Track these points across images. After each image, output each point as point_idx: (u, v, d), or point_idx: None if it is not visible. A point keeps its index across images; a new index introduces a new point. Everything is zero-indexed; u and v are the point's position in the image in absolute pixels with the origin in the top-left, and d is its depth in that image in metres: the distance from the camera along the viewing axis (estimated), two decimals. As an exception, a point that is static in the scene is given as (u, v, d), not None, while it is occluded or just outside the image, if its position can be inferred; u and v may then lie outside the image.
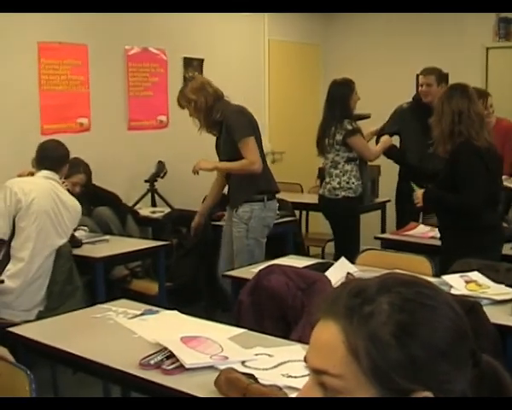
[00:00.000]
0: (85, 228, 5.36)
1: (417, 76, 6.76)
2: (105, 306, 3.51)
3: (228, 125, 5.08)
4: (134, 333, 3.05)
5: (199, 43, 7.47)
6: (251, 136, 5.07)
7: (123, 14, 6.51)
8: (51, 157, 4.78)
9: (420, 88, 6.19)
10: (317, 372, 1.18)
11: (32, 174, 4.80)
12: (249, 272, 4.00)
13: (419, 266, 3.94)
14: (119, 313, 3.35)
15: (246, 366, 2.62)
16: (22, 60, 5.99)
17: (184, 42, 7.35)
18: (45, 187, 4.59)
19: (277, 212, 5.44)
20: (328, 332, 1.18)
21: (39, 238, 4.49)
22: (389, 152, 6.20)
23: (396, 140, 6.37)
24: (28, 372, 2.49)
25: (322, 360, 1.18)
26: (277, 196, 5.40)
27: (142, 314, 3.31)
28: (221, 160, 5.26)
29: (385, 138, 6.13)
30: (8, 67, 5.88)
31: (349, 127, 5.64)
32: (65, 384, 4.41)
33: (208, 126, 5.22)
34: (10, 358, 2.59)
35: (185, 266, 6.05)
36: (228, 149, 5.13)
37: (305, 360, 1.21)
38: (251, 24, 8.09)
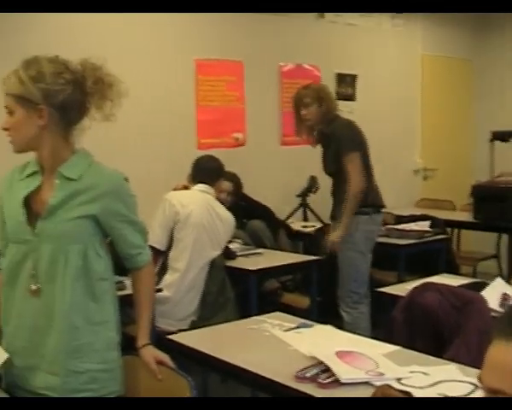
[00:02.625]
0: (239, 241, 5.46)
1: None
2: (260, 318, 3.57)
3: (336, 137, 5.17)
4: (289, 345, 3.08)
5: (352, 59, 7.49)
6: (357, 151, 5.13)
7: (277, 31, 6.62)
8: (206, 171, 4.90)
9: None
10: (493, 392, 1.17)
11: (185, 188, 4.93)
12: (403, 288, 3.96)
13: None
14: (275, 325, 3.39)
15: (401, 384, 2.59)
16: (180, 76, 6.19)
17: (337, 58, 7.38)
18: (202, 200, 4.71)
19: (381, 227, 5.51)
20: (508, 353, 1.16)
21: (195, 250, 4.61)
22: None
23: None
24: (189, 379, 2.56)
25: (500, 380, 1.16)
26: (429, 213, 5.34)
27: (297, 327, 3.34)
28: (326, 172, 5.39)
29: None
30: (166, 83, 6.08)
31: None
32: (213, 392, 4.51)
33: (310, 133, 5.42)
34: (172, 364, 2.67)
35: (335, 281, 6.05)
36: (332, 162, 5.24)
37: (480, 379, 1.20)
38: (405, 39, 8.03)
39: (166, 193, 4.79)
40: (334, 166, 5.23)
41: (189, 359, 3.28)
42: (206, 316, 4.54)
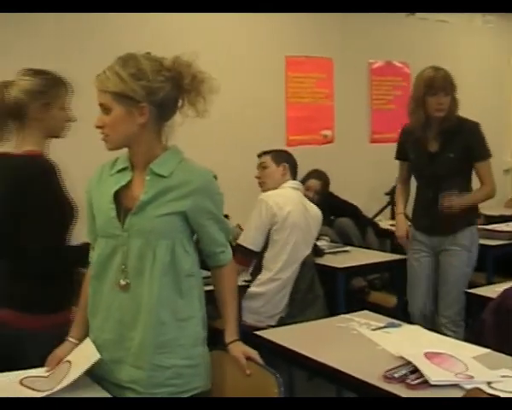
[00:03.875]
0: (326, 238, 5.46)
1: None
2: (348, 316, 3.56)
3: (469, 139, 4.51)
4: (377, 345, 3.07)
5: (443, 56, 7.36)
6: (491, 157, 4.64)
7: (367, 28, 6.59)
8: (296, 168, 4.91)
9: None
10: None
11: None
12: (492, 290, 3.90)
13: None
14: (362, 323, 3.39)
15: (492, 388, 2.55)
16: (270, 73, 6.23)
17: (428, 55, 7.27)
18: (296, 199, 4.70)
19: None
20: None
21: (292, 250, 4.61)
22: None
23: None
24: (277, 376, 2.57)
25: None
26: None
27: (384, 327, 3.32)
28: (432, 175, 4.56)
29: None
30: (257, 79, 6.13)
31: None
32: (299, 389, 4.51)
33: (434, 127, 4.60)
34: (260, 360, 2.68)
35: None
36: (454, 165, 4.54)
37: None
38: (496, 36, 7.88)
39: (257, 191, 4.82)
40: (453, 169, 4.54)
41: (276, 355, 3.31)
42: (294, 313, 4.54)
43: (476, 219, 4.75)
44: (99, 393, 2.53)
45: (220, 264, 2.72)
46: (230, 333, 2.72)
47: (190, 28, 5.77)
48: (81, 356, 2.61)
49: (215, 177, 2.65)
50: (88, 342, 2.65)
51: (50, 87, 3.05)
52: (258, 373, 2.65)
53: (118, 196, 2.58)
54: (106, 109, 2.50)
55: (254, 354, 2.69)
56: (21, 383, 2.55)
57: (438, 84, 4.47)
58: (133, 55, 2.53)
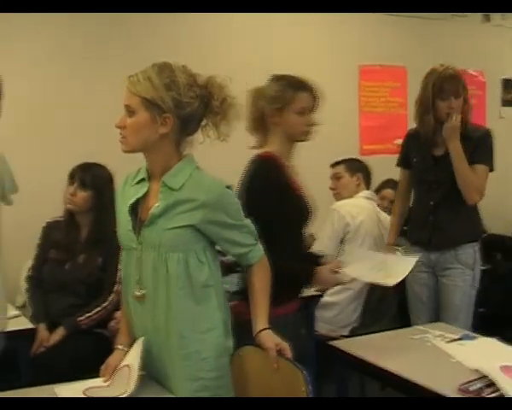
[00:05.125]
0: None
1: None
2: (421, 327, 3.55)
3: (476, 145, 4.05)
4: (451, 357, 3.05)
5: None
6: (491, 169, 4.09)
7: (441, 36, 6.53)
8: (368, 177, 4.90)
9: None
10: None
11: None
12: None
13: None
14: (436, 335, 3.36)
15: None
16: (344, 81, 6.22)
17: (504, 63, 7.19)
18: (369, 209, 4.71)
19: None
20: None
21: None
22: None
23: None
24: (304, 372, 2.49)
25: None
26: None
27: (459, 339, 3.29)
28: (434, 180, 4.13)
29: None
30: (330, 88, 6.10)
31: None
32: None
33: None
34: (290, 354, 2.59)
35: (497, 292, 5.90)
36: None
37: None
38: None
39: (331, 201, 4.82)
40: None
41: (348, 365, 3.31)
42: (367, 323, 4.54)
43: (479, 236, 4.23)
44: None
45: (250, 262, 2.72)
46: (260, 322, 2.68)
47: (265, 35, 5.83)
48: (136, 358, 2.63)
49: (228, 187, 2.62)
50: (139, 344, 2.66)
51: (284, 92, 3.20)
52: (287, 368, 2.58)
53: (136, 208, 2.61)
54: (130, 112, 2.51)
55: (286, 346, 2.62)
56: (85, 393, 2.56)
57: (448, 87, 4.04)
58: (170, 64, 2.54)
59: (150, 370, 2.66)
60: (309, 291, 3.77)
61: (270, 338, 2.64)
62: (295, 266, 3.17)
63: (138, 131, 2.51)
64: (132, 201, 2.61)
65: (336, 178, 4.91)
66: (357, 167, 4.90)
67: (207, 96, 2.56)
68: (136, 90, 2.49)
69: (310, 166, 5.85)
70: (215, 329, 2.60)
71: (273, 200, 3.07)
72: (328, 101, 6.06)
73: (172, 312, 2.53)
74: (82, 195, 4.03)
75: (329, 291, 4.54)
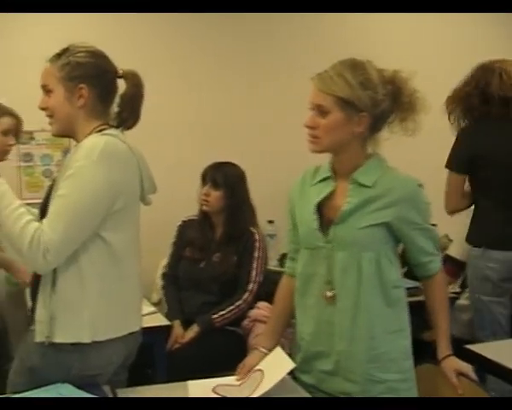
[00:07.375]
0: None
1: None
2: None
3: None
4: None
5: None
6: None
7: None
8: None
9: None
10: None
11: None
12: None
13: None
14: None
15: None
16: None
17: None
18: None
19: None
20: None
21: None
22: None
23: None
24: (492, 394, 2.45)
25: None
26: None
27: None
28: None
29: None
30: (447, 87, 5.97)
31: None
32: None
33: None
34: (474, 376, 2.55)
35: None
36: None
37: None
38: None
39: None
40: None
41: (486, 370, 3.20)
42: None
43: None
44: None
45: (429, 274, 2.64)
46: (443, 348, 2.63)
47: (394, 32, 5.78)
48: (273, 365, 2.62)
49: (420, 185, 2.55)
50: (279, 351, 2.66)
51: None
52: (469, 390, 2.52)
53: (320, 207, 2.56)
54: (322, 112, 2.44)
55: (467, 369, 2.58)
56: (214, 391, 2.57)
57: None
58: (361, 62, 2.48)
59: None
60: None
61: (449, 365, 2.60)
62: None
63: (333, 131, 2.45)
64: (319, 199, 2.57)
65: None
66: None
67: (396, 91, 2.51)
68: (329, 90, 2.43)
69: (430, 166, 5.78)
70: (404, 330, 2.58)
71: None
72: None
73: (362, 313, 2.49)
74: (215, 194, 4.08)
75: (464, 294, 4.41)
